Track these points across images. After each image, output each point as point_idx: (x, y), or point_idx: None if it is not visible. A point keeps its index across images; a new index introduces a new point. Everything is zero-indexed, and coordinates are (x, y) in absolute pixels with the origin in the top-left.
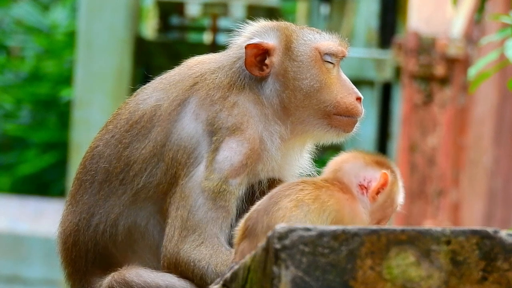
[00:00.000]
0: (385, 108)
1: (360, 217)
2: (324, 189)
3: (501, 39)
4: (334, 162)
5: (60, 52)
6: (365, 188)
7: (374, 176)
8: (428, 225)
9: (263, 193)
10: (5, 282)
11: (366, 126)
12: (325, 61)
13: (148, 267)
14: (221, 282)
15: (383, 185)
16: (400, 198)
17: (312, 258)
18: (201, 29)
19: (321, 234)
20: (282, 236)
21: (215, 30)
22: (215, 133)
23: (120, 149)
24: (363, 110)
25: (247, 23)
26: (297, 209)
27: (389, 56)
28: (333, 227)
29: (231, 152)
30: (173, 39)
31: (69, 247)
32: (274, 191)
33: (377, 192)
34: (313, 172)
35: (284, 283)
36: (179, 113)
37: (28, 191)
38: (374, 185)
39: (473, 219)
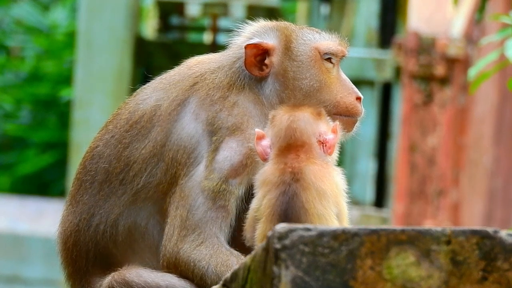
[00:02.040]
0: (385, 108)
1: (340, 181)
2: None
3: (501, 39)
4: (287, 126)
5: (60, 52)
6: (322, 143)
7: (325, 129)
8: (428, 225)
9: None
10: (5, 282)
11: (366, 126)
12: (325, 60)
13: (148, 267)
14: (221, 282)
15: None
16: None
17: (312, 258)
18: (201, 29)
19: (321, 234)
20: (282, 236)
21: (215, 30)
22: (215, 133)
23: (120, 149)
24: (363, 110)
25: (247, 23)
26: (319, 219)
27: (389, 56)
28: (333, 227)
29: (231, 152)
30: (173, 39)
31: (70, 247)
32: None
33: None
34: None
35: (284, 283)
36: (179, 113)
37: (28, 191)
38: (330, 138)
39: (473, 219)
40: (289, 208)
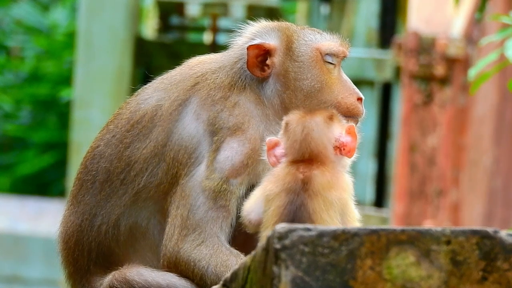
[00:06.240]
0: (385, 108)
1: (349, 185)
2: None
3: (501, 39)
4: (303, 139)
5: (60, 52)
6: (339, 148)
7: (340, 132)
8: (428, 225)
9: None
10: (5, 282)
11: (366, 126)
12: (326, 61)
13: (149, 266)
14: (221, 282)
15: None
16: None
17: (312, 258)
18: (201, 29)
19: (321, 234)
20: (282, 236)
21: (215, 30)
22: (216, 133)
23: (121, 149)
24: (364, 111)
25: (247, 23)
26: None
27: (389, 56)
28: (333, 227)
29: (232, 152)
30: (173, 39)
31: (71, 246)
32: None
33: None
34: None
35: (284, 283)
36: (180, 113)
37: (28, 191)
38: (348, 141)
39: (473, 219)
40: (296, 218)
